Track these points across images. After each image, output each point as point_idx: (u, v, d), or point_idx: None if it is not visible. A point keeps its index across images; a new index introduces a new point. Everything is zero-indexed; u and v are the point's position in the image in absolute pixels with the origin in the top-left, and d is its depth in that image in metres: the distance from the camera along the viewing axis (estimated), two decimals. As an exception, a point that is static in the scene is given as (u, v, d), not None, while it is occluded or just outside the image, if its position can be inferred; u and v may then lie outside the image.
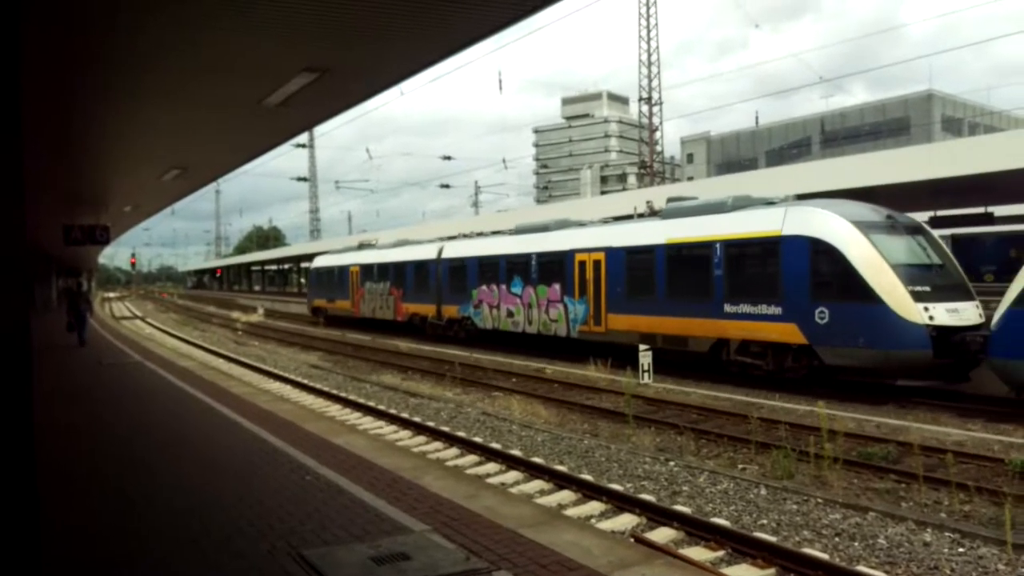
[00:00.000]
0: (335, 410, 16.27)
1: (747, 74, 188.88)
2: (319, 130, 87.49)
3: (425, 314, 31.90)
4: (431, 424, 14.35)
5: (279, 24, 6.45)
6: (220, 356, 27.82)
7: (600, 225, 24.01)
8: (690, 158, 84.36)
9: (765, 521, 8.80)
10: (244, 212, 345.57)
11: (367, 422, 14.93)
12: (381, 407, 16.32)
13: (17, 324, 4.58)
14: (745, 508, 9.24)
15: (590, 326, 22.48)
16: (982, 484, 9.71)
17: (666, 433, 13.55)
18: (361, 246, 41.65)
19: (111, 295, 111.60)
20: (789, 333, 16.77)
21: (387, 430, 14.23)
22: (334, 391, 18.74)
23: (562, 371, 20.84)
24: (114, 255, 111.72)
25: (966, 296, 15.61)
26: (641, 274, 20.78)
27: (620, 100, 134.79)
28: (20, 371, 4.54)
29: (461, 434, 13.45)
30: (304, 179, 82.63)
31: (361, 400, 17.29)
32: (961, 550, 7.68)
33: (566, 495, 9.92)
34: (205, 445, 9.72)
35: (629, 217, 23.59)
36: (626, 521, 8.87)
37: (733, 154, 79.63)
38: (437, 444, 12.97)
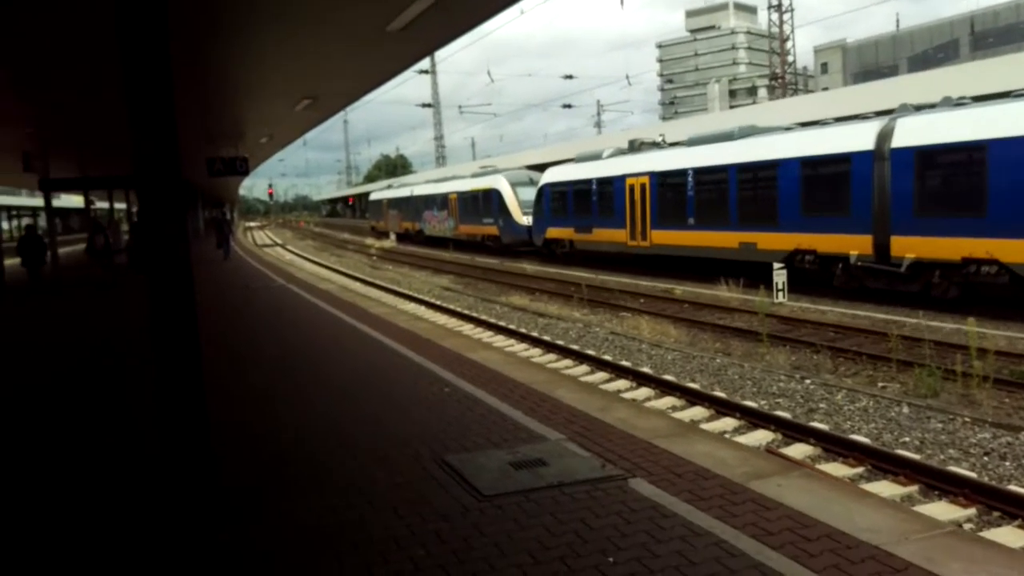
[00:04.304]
0: (468, 329, 16.72)
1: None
2: (441, 55, 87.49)
3: (408, 228, 52.89)
4: (560, 343, 14.54)
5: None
6: (357, 280, 28.91)
7: (454, 180, 45.76)
8: (824, 68, 79.63)
9: (907, 439, 8.55)
10: (372, 141, 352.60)
11: (499, 340, 15.28)
12: (511, 326, 16.64)
13: (180, 253, 4.94)
14: (886, 426, 9.00)
15: (453, 231, 43.64)
16: None
17: (801, 352, 13.25)
18: (389, 186, 68.43)
19: (252, 225, 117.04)
20: (494, 230, 38.04)
21: (518, 347, 14.52)
22: (466, 311, 19.22)
23: (692, 291, 20.58)
24: (253, 186, 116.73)
25: None
26: (462, 206, 41.93)
27: (748, 9, 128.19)
28: (185, 293, 4.91)
29: (590, 352, 13.58)
30: (428, 105, 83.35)
31: (492, 320, 17.67)
32: (1125, 471, 7.26)
33: (698, 411, 9.92)
34: (349, 360, 10.22)
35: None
36: (760, 437, 8.81)
37: (871, 62, 74.51)
38: (567, 361, 13.15)
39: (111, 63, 10.21)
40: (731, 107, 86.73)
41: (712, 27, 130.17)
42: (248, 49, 11.32)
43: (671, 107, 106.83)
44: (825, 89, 63.78)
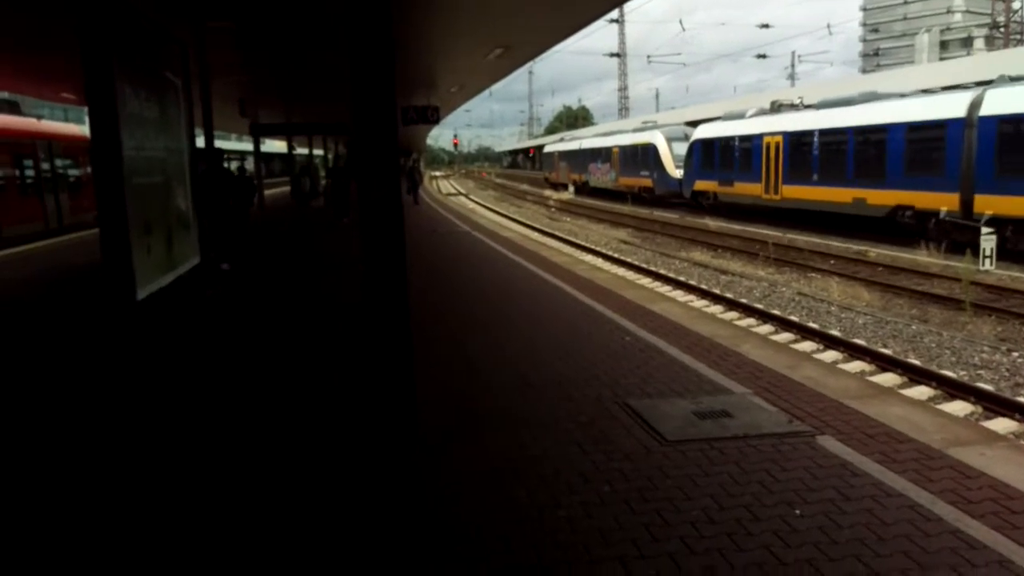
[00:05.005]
0: (647, 282, 16.68)
1: None
2: (630, 5, 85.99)
3: (575, 179, 55.89)
4: (744, 301, 14.24)
5: None
6: (536, 230, 29.38)
7: (618, 135, 48.39)
8: (1058, 15, 71.54)
9: None
10: (555, 92, 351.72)
11: (679, 295, 15.16)
12: (691, 282, 16.45)
13: (394, 199, 5.26)
14: (1106, 406, 8.26)
15: (614, 183, 46.18)
16: None
17: (1009, 323, 12.32)
18: (561, 139, 71.76)
19: (437, 174, 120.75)
20: (649, 182, 40.78)
21: (699, 303, 14.36)
22: (644, 265, 19.16)
23: (887, 254, 19.48)
24: (439, 136, 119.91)
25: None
26: (623, 159, 44.60)
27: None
28: (396, 236, 5.23)
29: (776, 312, 13.23)
30: (615, 55, 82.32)
31: (671, 275, 17.52)
32: None
33: (890, 377, 9.50)
34: (533, 305, 10.51)
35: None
36: (958, 408, 8.35)
37: (1119, 7, 66.12)
38: (751, 320, 12.89)
39: (324, 15, 10.84)
40: (941, 59, 79.95)
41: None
42: (446, -1, 11.67)
43: (873, 59, 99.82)
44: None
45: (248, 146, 40.15)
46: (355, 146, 5.50)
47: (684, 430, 5.37)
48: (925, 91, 23.65)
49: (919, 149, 21.42)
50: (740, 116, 32.38)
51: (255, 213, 24.46)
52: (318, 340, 8.70)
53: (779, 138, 28.05)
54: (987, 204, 18.95)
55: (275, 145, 58.64)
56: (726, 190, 32.18)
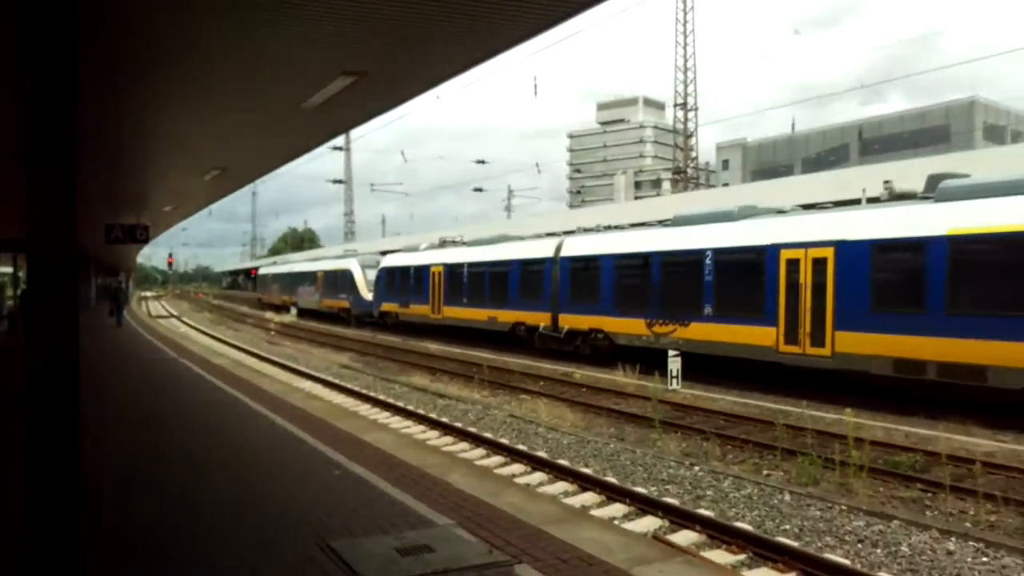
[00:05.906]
0: (365, 409, 16.49)
1: (785, 80, 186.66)
2: (355, 133, 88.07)
3: (286, 300, 59.47)
4: (458, 425, 14.51)
5: (319, 29, 6.61)
6: (253, 355, 28.22)
7: (324, 260, 54.57)
8: (725, 164, 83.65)
9: (788, 526, 8.83)
10: (280, 214, 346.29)
11: (396, 421, 15.12)
12: (410, 407, 16.51)
13: (69, 325, 4.80)
14: (768, 513, 9.27)
15: (318, 304, 50.76)
16: (1010, 495, 9.65)
17: (692, 438, 13.59)
18: (275, 263, 78.86)
19: (148, 295, 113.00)
20: (346, 304, 45.64)
21: (415, 429, 14.40)
22: (364, 391, 18.98)
23: (590, 376, 20.92)
24: (152, 255, 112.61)
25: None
26: (326, 283, 50.18)
27: (656, 105, 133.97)
28: (69, 368, 4.75)
29: (488, 435, 13.59)
30: (340, 181, 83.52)
31: (390, 400, 17.50)
32: (985, 559, 7.66)
33: (590, 497, 10.01)
34: (239, 440, 9.97)
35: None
36: (649, 523, 8.93)
37: (769, 161, 78.65)
38: (464, 444, 13.11)
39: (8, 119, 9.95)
40: (636, 198, 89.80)
41: (621, 120, 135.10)
42: (159, 120, 11.23)
43: (578, 195, 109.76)
44: (725, 185, 66.84)
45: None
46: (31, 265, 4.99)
47: (385, 570, 5.26)
48: (538, 236, 30.80)
49: (527, 280, 27.89)
50: (415, 249, 39.15)
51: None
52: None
53: (441, 268, 34.23)
54: (565, 321, 25.39)
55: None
56: (404, 311, 37.80)
